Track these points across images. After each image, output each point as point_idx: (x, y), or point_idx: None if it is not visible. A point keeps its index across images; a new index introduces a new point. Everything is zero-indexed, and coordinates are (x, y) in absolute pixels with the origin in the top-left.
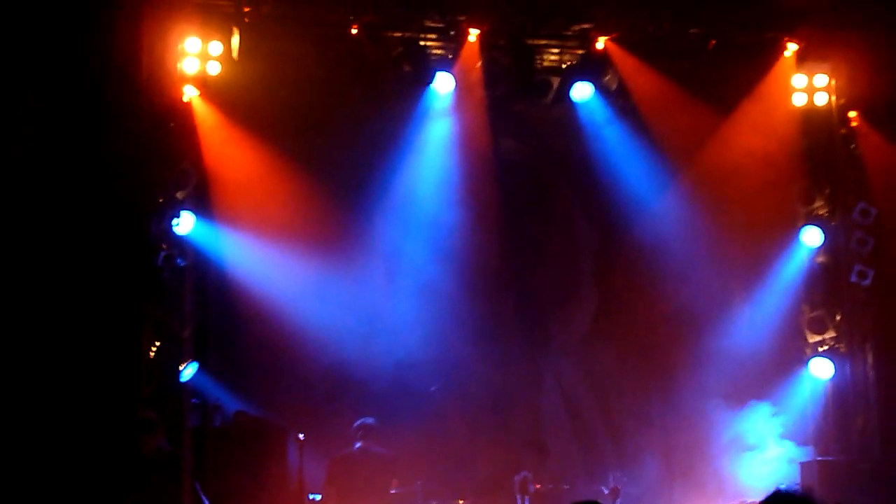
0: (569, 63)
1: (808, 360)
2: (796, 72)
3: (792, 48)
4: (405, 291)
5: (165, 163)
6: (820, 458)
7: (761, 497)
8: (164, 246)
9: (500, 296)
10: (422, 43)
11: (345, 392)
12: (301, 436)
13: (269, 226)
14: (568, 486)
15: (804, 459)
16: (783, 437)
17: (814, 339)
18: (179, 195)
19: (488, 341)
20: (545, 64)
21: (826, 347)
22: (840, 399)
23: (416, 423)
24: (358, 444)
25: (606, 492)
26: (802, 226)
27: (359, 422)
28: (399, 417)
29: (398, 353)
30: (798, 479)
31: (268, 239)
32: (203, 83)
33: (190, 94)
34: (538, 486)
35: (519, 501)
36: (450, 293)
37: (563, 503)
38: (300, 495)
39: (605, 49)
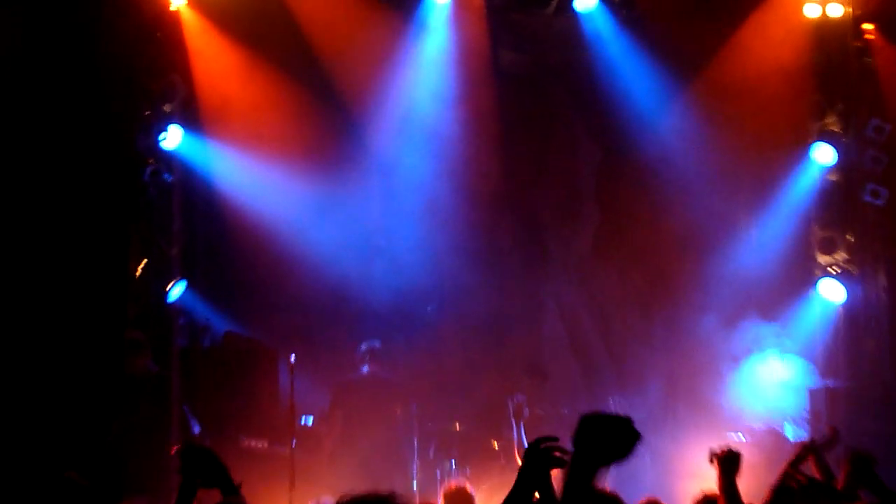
0: None
1: (818, 281)
2: None
3: None
4: (404, 211)
5: (152, 74)
6: (829, 384)
7: (766, 422)
8: (150, 161)
9: (499, 214)
10: None
11: (339, 314)
12: (293, 357)
13: (261, 140)
14: (567, 411)
15: (812, 384)
16: (791, 360)
17: (824, 260)
18: (167, 108)
19: (486, 262)
20: None
21: (837, 269)
22: (851, 322)
23: (412, 345)
24: (365, 368)
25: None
26: (813, 142)
27: (365, 345)
28: (395, 340)
29: (395, 274)
30: (807, 405)
31: (259, 154)
32: None
33: (177, 2)
34: (536, 409)
35: (514, 425)
36: (449, 213)
37: (562, 427)
38: (291, 418)
39: None
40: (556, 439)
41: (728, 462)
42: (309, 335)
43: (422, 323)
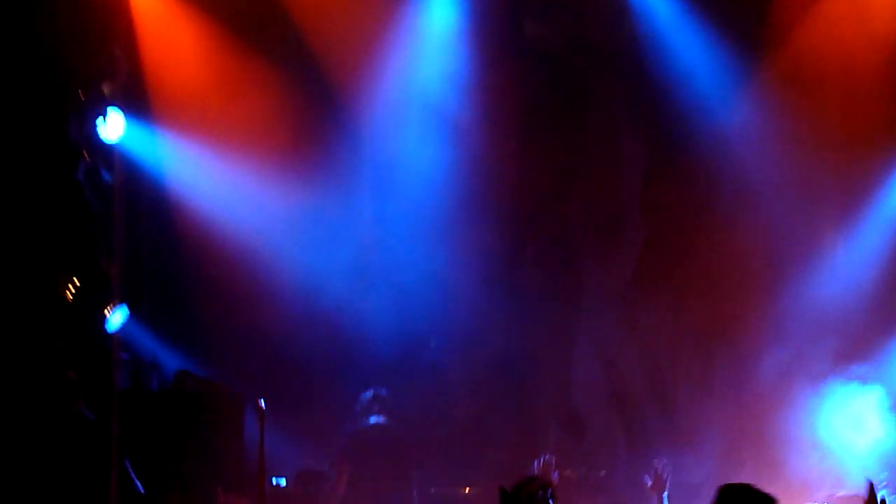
0: None
1: None
2: None
3: None
4: (404, 224)
5: (88, 47)
6: None
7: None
8: (85, 155)
9: (522, 230)
10: None
11: (322, 352)
12: (262, 403)
13: (224, 132)
14: (605, 473)
15: None
16: (883, 413)
17: None
18: (106, 89)
19: (505, 289)
20: None
21: None
22: None
23: (412, 392)
24: (373, 419)
25: (650, 483)
26: None
27: (369, 392)
28: (393, 385)
29: (393, 304)
30: None
31: (222, 149)
32: None
33: None
34: (567, 471)
35: (540, 494)
36: (460, 228)
37: (599, 494)
38: (260, 478)
39: None
40: None
41: None
42: (283, 378)
43: (425, 364)
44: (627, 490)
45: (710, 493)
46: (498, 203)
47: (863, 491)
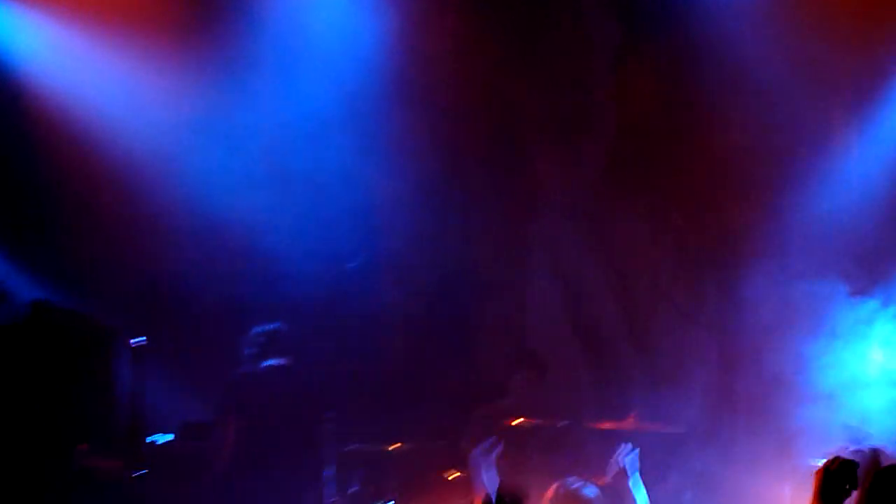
0: None
1: None
2: None
3: None
4: (314, 118)
5: None
6: None
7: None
8: None
9: (465, 124)
10: None
11: (215, 281)
12: (140, 342)
13: (97, 14)
14: (568, 422)
15: None
16: None
17: None
18: None
19: (444, 198)
20: None
21: None
22: None
23: (326, 327)
24: (265, 362)
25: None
26: None
27: (260, 329)
28: (302, 319)
29: (302, 217)
30: None
31: (93, 34)
32: None
33: None
34: (521, 420)
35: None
36: (385, 120)
37: (558, 447)
38: (134, 432)
39: None
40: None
41: (836, 478)
42: (168, 313)
43: (341, 291)
44: (593, 444)
45: (695, 446)
46: (435, 92)
47: (881, 448)
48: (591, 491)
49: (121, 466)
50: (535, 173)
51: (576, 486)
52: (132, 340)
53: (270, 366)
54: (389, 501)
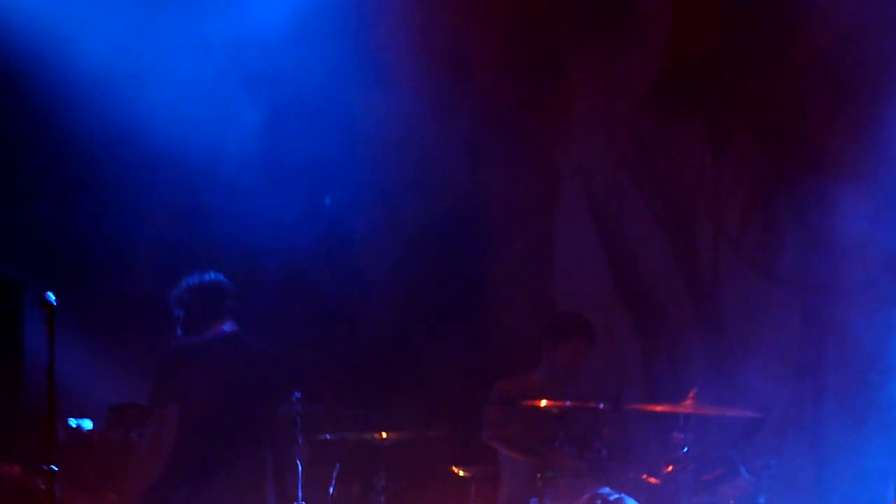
0: None
1: None
2: None
3: None
4: (303, 15)
5: None
6: None
7: None
8: None
9: (477, 29)
10: None
11: (154, 224)
12: (52, 299)
13: None
14: (609, 405)
15: None
16: None
17: None
18: None
19: (447, 120)
20: None
21: None
22: None
23: (294, 282)
24: (217, 328)
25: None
26: None
27: (196, 280)
28: (264, 275)
29: (262, 140)
30: None
31: None
32: None
33: None
34: (547, 402)
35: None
36: (385, 12)
37: (595, 438)
38: (49, 416)
39: None
40: None
41: None
42: (92, 267)
43: (315, 236)
44: (640, 432)
45: (771, 434)
46: None
47: None
48: None
49: (22, 469)
50: (568, 86)
51: (613, 498)
52: (46, 296)
53: (217, 333)
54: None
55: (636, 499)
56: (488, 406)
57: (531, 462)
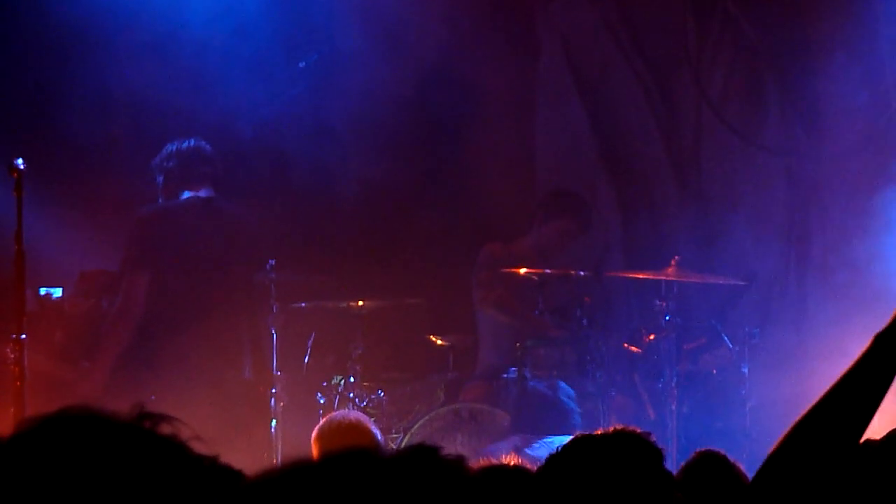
0: None
1: None
2: None
3: None
4: None
5: None
6: None
7: None
8: None
9: None
10: None
11: (133, 79)
12: (20, 164)
13: None
14: (586, 273)
15: None
16: None
17: None
18: None
19: None
20: None
21: None
22: None
23: (274, 149)
24: (187, 194)
25: None
26: None
27: (176, 146)
28: (242, 134)
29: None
30: None
31: None
32: None
33: None
34: (527, 270)
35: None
36: None
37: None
38: (19, 283)
39: None
40: None
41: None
42: (58, 126)
43: (290, 96)
44: (620, 300)
45: (757, 302)
46: None
47: None
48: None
49: None
50: None
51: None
52: (15, 161)
53: (192, 198)
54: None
55: (618, 366)
56: (478, 268)
57: (518, 327)
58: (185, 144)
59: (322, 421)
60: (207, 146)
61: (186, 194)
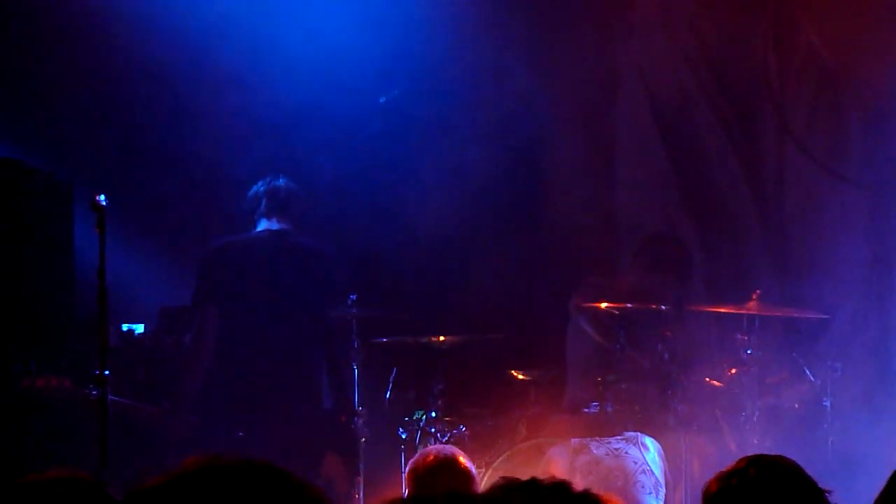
0: None
1: None
2: None
3: None
4: None
5: None
6: None
7: None
8: None
9: None
10: None
11: (203, 116)
12: (102, 200)
13: None
14: (667, 307)
15: None
16: None
17: None
18: None
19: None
20: None
21: None
22: None
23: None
24: (263, 224)
25: None
26: None
27: (262, 185)
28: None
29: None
30: None
31: None
32: None
33: None
34: (606, 304)
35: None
36: None
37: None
38: (101, 324)
39: None
40: None
41: None
42: (138, 164)
43: (372, 138)
44: (700, 333)
45: (842, 339)
46: None
47: None
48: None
49: (72, 384)
50: None
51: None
52: (97, 198)
53: (263, 231)
54: (431, 410)
55: (701, 403)
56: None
57: (600, 356)
58: (273, 180)
59: (416, 455)
60: (291, 183)
61: (261, 226)
